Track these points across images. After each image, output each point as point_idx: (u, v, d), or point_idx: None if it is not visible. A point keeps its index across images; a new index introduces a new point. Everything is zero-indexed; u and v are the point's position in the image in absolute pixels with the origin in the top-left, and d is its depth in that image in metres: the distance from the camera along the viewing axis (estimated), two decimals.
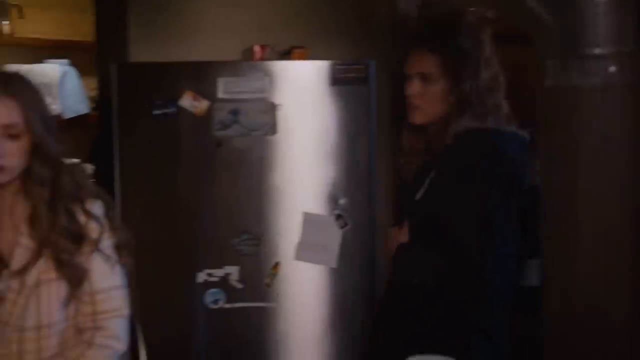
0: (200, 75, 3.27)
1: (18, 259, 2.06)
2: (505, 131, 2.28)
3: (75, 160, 4.81)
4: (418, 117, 2.35)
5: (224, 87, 3.27)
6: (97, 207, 2.16)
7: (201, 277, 3.32)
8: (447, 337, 2.23)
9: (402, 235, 2.35)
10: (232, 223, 3.34)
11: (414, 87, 2.33)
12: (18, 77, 2.11)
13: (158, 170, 3.32)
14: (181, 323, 3.36)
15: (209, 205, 3.33)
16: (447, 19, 2.32)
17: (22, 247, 2.07)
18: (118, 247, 2.20)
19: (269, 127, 3.32)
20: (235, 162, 3.33)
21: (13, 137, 2.02)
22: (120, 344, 2.20)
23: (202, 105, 3.27)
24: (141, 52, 3.73)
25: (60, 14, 5.24)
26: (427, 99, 2.32)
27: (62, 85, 4.95)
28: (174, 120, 3.26)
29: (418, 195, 2.33)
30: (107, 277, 2.16)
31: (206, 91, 3.27)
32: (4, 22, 5.08)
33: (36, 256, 2.06)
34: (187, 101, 3.25)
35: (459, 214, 2.20)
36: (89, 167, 4.93)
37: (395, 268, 2.40)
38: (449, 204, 2.22)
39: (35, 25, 5.23)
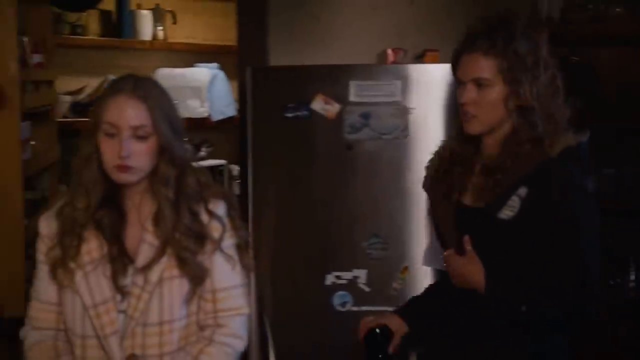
0: (332, 79, 3.29)
1: (143, 256, 2.13)
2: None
3: (222, 162, 5.00)
4: (474, 127, 2.20)
5: (355, 91, 3.28)
6: (219, 207, 2.20)
7: (330, 279, 3.34)
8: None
9: (468, 261, 2.17)
10: (361, 226, 3.35)
11: (470, 95, 2.17)
12: (147, 81, 2.18)
13: (290, 172, 3.37)
14: (310, 323, 3.39)
15: (339, 207, 3.35)
16: (501, 21, 2.18)
17: (146, 244, 2.14)
18: (239, 247, 2.24)
19: (400, 131, 3.30)
20: (365, 165, 3.33)
21: (141, 138, 2.09)
22: (240, 342, 2.23)
23: (333, 108, 3.29)
24: (280, 56, 3.81)
25: (211, 19, 5.42)
26: (483, 106, 2.17)
27: (211, 89, 5.13)
28: (305, 123, 3.30)
29: (504, 215, 2.13)
30: (228, 276, 2.20)
31: (338, 94, 3.29)
32: (158, 28, 5.30)
33: (160, 253, 2.13)
34: (319, 104, 3.28)
35: (580, 240, 2.09)
36: (235, 169, 5.11)
37: (490, 295, 2.15)
38: (565, 228, 2.08)
39: (188, 31, 5.44)
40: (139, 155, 2.09)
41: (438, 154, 2.36)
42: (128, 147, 2.07)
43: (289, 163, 3.37)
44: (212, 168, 4.89)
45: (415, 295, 2.54)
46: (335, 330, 3.35)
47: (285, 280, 3.35)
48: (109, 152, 2.08)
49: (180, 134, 2.19)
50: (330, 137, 3.31)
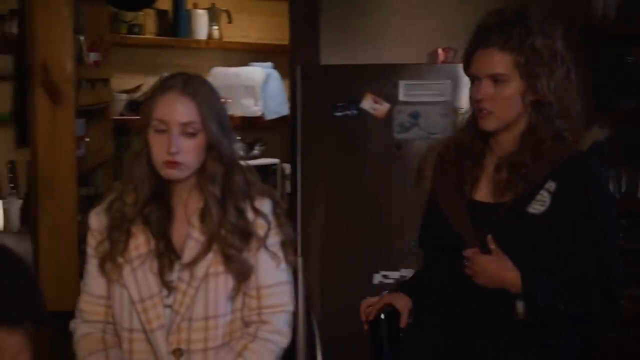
0: (382, 78, 3.29)
1: (189, 252, 2.16)
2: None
3: (275, 160, 5.02)
4: (490, 123, 2.14)
5: (405, 90, 3.28)
6: (265, 205, 2.22)
7: (377, 278, 3.34)
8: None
9: (497, 259, 2.10)
10: (409, 226, 3.33)
11: (485, 91, 2.11)
12: (197, 79, 2.20)
13: (339, 171, 3.38)
14: (356, 322, 3.39)
15: (388, 207, 3.34)
16: (516, 15, 2.12)
17: (193, 240, 2.16)
18: (284, 244, 2.24)
19: (450, 131, 3.28)
20: (414, 165, 3.31)
21: (189, 134, 2.11)
22: (284, 339, 2.23)
23: (382, 107, 3.29)
24: (331, 55, 3.82)
25: (266, 19, 5.44)
26: (499, 102, 2.11)
27: (265, 88, 5.16)
28: (354, 122, 3.31)
29: (534, 210, 2.10)
30: (272, 273, 2.21)
31: (387, 94, 3.29)
32: (214, 27, 5.35)
33: (206, 250, 2.15)
34: (368, 103, 3.28)
35: (605, 232, 2.08)
36: (288, 167, 5.13)
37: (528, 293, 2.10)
38: (593, 221, 2.07)
39: (242, 30, 5.48)
40: (187, 152, 2.12)
41: (444, 146, 2.31)
42: (177, 143, 2.10)
43: (337, 162, 3.38)
44: (265, 167, 4.91)
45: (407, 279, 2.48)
46: None
47: (333, 278, 3.36)
48: (159, 148, 2.11)
49: (228, 131, 2.21)
50: (380, 137, 3.31)
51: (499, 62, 2.10)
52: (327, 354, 3.25)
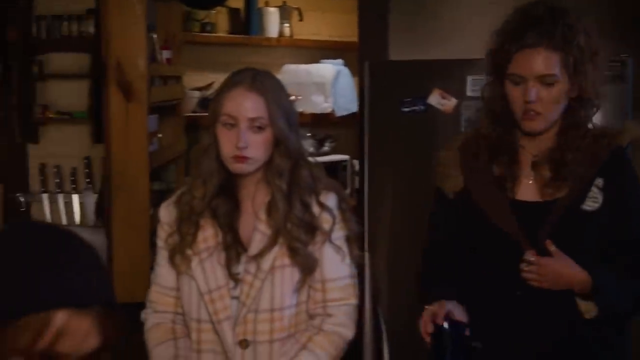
0: (449, 73, 3.27)
1: (256, 244, 2.19)
2: None
3: (345, 157, 5.04)
4: (539, 125, 2.09)
5: (472, 85, 3.25)
6: (330, 200, 2.24)
7: None
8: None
9: (562, 260, 2.06)
10: None
11: (538, 93, 2.04)
12: (265, 74, 2.22)
13: (406, 167, 3.36)
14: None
15: None
16: (554, 13, 2.06)
17: (259, 233, 2.20)
18: (349, 239, 2.26)
19: None
20: None
21: (257, 129, 2.15)
22: (348, 332, 2.25)
23: (450, 103, 3.27)
24: (399, 51, 3.81)
25: (337, 16, 5.46)
26: (549, 103, 2.06)
27: (335, 85, 5.18)
28: (422, 117, 3.29)
29: (588, 207, 2.08)
30: (337, 267, 2.23)
31: (455, 89, 3.27)
32: (285, 25, 5.40)
33: (272, 243, 2.18)
34: (436, 99, 3.27)
35: None
36: (357, 163, 5.14)
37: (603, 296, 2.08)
38: (636, 214, 2.09)
39: (313, 27, 5.51)
40: (255, 146, 2.15)
41: (467, 144, 2.24)
42: (245, 138, 2.13)
43: (405, 157, 3.37)
44: (335, 163, 4.93)
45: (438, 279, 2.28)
46: None
47: (399, 274, 3.35)
48: (227, 142, 2.15)
49: (295, 126, 2.23)
50: (447, 132, 3.29)
51: (549, 62, 2.04)
52: (393, 349, 3.25)
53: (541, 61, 2.04)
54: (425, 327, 2.04)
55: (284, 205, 2.18)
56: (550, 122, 2.10)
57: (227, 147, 2.15)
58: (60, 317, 1.19)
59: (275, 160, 2.19)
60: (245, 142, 2.13)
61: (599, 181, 2.10)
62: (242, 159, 2.15)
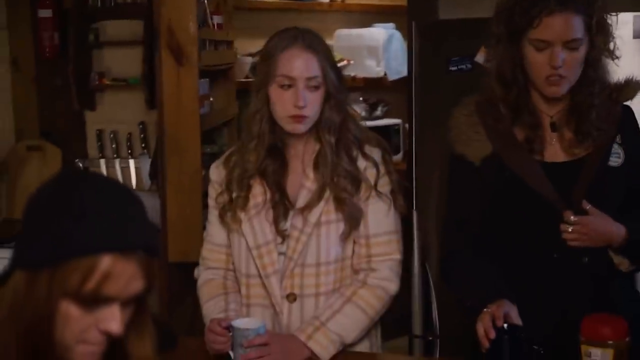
0: None
1: (302, 199, 2.24)
2: None
3: (397, 121, 5.04)
4: (563, 89, 2.08)
5: None
6: (375, 153, 2.27)
7: None
8: None
9: (600, 217, 2.07)
10: None
11: (563, 57, 2.03)
12: (310, 32, 2.26)
13: None
14: None
15: None
16: None
17: (306, 189, 2.25)
18: (393, 192, 2.29)
19: None
20: None
21: (314, 88, 2.19)
22: (392, 286, 2.28)
23: None
24: (449, 10, 3.78)
25: None
26: (574, 67, 2.05)
27: (387, 48, 5.16)
28: (469, 76, 3.27)
29: (614, 163, 2.10)
30: (382, 221, 2.26)
31: None
32: None
33: (319, 197, 2.22)
34: (482, 57, 3.25)
35: None
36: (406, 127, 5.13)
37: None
38: None
39: None
40: (312, 105, 2.19)
41: (486, 104, 2.20)
42: (304, 97, 2.17)
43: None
44: (387, 127, 4.93)
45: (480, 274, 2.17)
46: None
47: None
48: (285, 103, 2.18)
49: (343, 80, 2.28)
50: None
51: (577, 27, 2.03)
52: (441, 305, 3.26)
53: (568, 26, 2.03)
54: (489, 333, 1.92)
55: (332, 158, 2.22)
56: (571, 85, 2.09)
57: (284, 108, 2.19)
58: (105, 261, 1.25)
59: (326, 115, 2.23)
60: (305, 102, 2.16)
61: (618, 137, 2.12)
62: (300, 118, 2.19)
